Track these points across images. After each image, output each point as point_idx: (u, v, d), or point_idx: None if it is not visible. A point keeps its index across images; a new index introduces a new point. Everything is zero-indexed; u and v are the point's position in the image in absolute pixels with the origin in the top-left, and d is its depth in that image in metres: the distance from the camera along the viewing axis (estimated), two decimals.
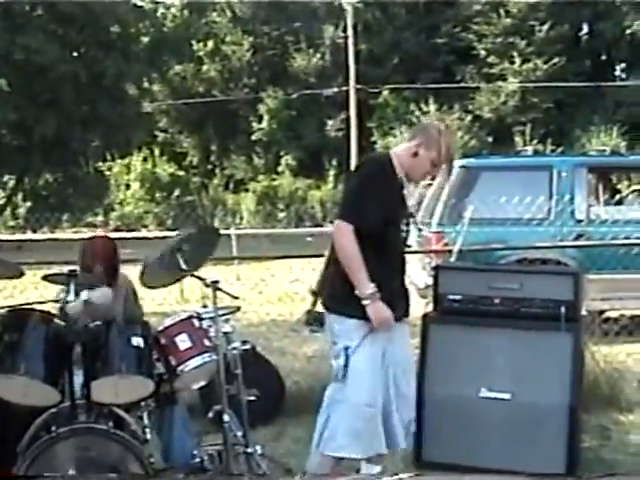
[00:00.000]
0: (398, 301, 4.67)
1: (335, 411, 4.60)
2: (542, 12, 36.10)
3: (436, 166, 4.66)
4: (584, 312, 5.63)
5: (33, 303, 4.97)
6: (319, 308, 4.94)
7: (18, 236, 32.01)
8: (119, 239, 5.63)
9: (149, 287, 5.08)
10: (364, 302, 4.44)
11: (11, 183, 32.96)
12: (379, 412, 4.56)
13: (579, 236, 9.40)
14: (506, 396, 5.25)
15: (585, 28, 39.00)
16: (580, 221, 9.70)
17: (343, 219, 4.48)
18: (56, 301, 4.84)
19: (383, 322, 4.48)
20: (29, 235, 32.45)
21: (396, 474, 4.58)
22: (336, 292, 4.60)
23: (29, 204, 34.67)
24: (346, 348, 4.52)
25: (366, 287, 4.43)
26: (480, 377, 5.29)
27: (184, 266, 4.79)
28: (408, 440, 4.88)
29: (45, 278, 4.60)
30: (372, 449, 4.59)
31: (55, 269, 4.92)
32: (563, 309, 5.17)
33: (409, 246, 5.00)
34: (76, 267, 4.88)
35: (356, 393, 4.52)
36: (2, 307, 4.81)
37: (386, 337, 4.56)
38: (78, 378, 4.40)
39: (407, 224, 4.76)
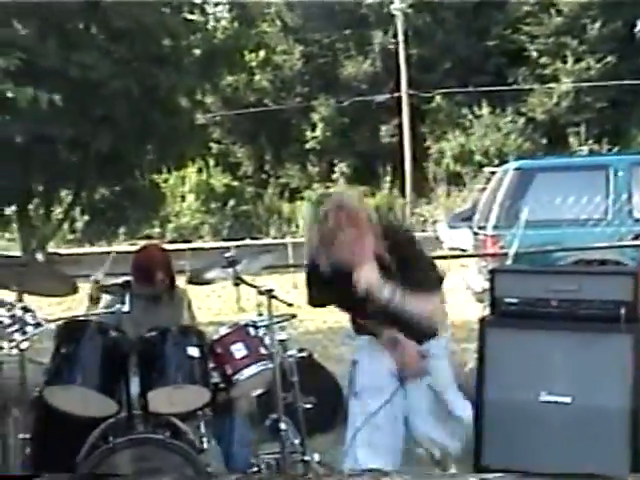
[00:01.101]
0: None
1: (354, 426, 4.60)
2: (594, 10, 35.68)
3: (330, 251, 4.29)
4: None
5: (89, 314, 4.99)
6: None
7: (76, 250, 32.46)
8: (175, 250, 5.64)
9: (195, 283, 5.10)
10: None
11: (69, 198, 33.33)
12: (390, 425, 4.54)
13: (637, 236, 9.26)
14: (567, 400, 5.16)
15: (639, 25, 38.44)
16: (638, 220, 9.56)
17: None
18: (112, 312, 4.87)
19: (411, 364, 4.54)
20: (87, 249, 32.88)
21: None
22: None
23: (86, 218, 35.07)
24: (354, 362, 4.62)
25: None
26: (539, 381, 5.21)
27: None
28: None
29: (100, 289, 4.62)
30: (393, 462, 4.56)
31: (111, 280, 4.94)
32: (623, 310, 5.08)
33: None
34: (130, 278, 4.89)
35: (366, 406, 4.54)
36: (59, 319, 4.85)
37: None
38: (135, 388, 4.42)
39: None
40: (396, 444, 4.57)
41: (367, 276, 4.20)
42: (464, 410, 4.92)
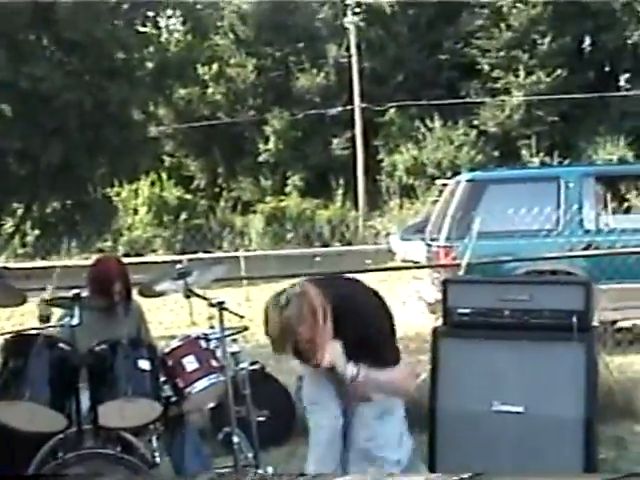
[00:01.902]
0: None
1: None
2: (543, 25, 36.12)
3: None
4: (596, 322, 5.56)
5: (38, 328, 4.91)
6: None
7: (27, 264, 32.04)
8: (127, 264, 5.57)
9: (146, 295, 5.04)
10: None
11: (19, 211, 33.01)
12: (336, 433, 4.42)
13: (588, 246, 9.35)
14: (519, 409, 5.17)
15: (587, 40, 38.96)
16: (589, 231, 9.66)
17: None
18: (61, 325, 4.80)
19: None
20: (38, 263, 32.48)
21: None
22: None
23: (37, 231, 34.73)
24: (300, 378, 4.57)
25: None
26: (492, 390, 5.22)
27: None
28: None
29: (48, 302, 4.55)
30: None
31: (61, 293, 4.87)
32: (575, 319, 5.10)
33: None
34: (80, 290, 4.82)
35: (312, 416, 4.52)
36: (7, 332, 4.76)
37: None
38: (85, 402, 4.35)
39: None
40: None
41: (331, 355, 4.16)
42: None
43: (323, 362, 4.10)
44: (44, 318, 4.98)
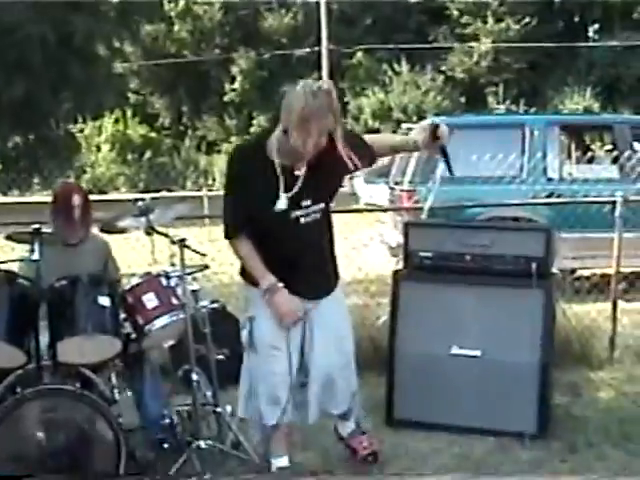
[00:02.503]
0: (313, 283, 4.37)
1: (252, 379, 4.49)
2: None
3: (309, 133, 3.94)
4: (555, 270, 5.62)
5: None
6: None
7: None
8: (91, 201, 5.50)
9: (107, 232, 5.01)
10: (266, 296, 4.25)
11: None
12: (287, 380, 4.35)
13: (551, 194, 9.41)
14: (477, 353, 5.23)
15: None
16: (552, 179, 9.72)
17: (226, 237, 4.35)
18: (21, 260, 4.76)
19: (287, 312, 4.27)
20: None
21: None
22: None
23: None
24: (250, 318, 4.40)
25: (264, 279, 4.24)
26: (451, 334, 5.27)
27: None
28: (355, 411, 4.78)
29: (8, 237, 4.50)
30: (286, 416, 4.42)
31: (21, 229, 4.81)
32: (534, 266, 5.15)
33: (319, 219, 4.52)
34: (41, 225, 4.76)
35: (263, 362, 4.39)
36: None
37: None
38: (44, 338, 4.33)
39: (304, 204, 4.24)
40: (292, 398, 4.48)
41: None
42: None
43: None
44: None
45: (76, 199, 4.96)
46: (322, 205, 4.31)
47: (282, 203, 4.17)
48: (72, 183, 5.40)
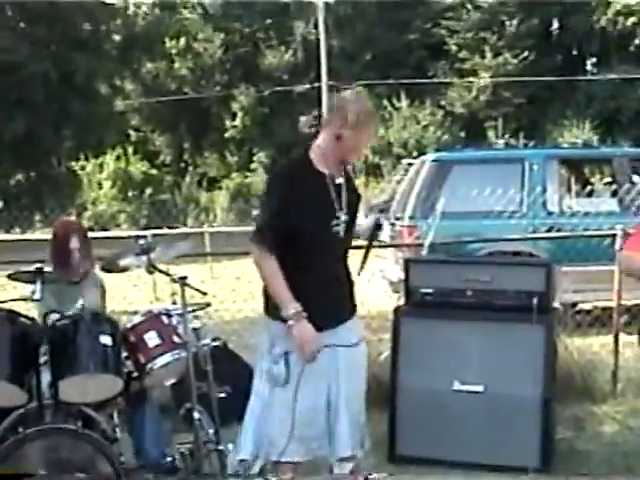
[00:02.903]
0: (337, 306, 4.37)
1: (276, 417, 4.34)
2: (511, 7, 36.24)
3: (365, 136, 4.23)
4: (557, 304, 5.63)
5: None
6: None
7: None
8: (92, 239, 5.52)
9: (109, 271, 5.01)
10: (289, 323, 4.15)
11: None
12: (323, 416, 4.33)
13: (551, 228, 9.42)
14: (479, 389, 5.23)
15: (555, 23, 39.15)
16: (552, 213, 9.73)
17: (252, 241, 4.24)
18: (24, 299, 4.77)
19: (305, 345, 4.17)
20: (0, 236, 32.18)
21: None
22: (270, 296, 4.33)
23: (0, 204, 34.41)
24: (286, 353, 4.28)
25: (289, 307, 4.14)
26: (453, 370, 5.27)
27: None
28: (364, 443, 4.63)
29: (10, 276, 4.52)
30: (316, 450, 4.39)
31: (23, 268, 4.83)
32: (535, 300, 5.16)
33: (348, 240, 4.59)
34: (44, 265, 4.78)
35: (298, 397, 4.26)
36: None
37: (329, 340, 4.27)
38: (45, 377, 4.33)
39: (346, 219, 4.35)
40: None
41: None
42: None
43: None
44: None
45: (74, 242, 5.00)
46: (349, 219, 4.38)
47: (339, 212, 4.30)
48: (71, 221, 5.41)
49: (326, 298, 4.26)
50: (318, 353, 4.20)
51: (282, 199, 4.18)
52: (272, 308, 4.29)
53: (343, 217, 4.32)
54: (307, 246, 4.21)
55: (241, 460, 4.43)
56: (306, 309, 4.13)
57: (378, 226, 4.66)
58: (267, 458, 4.37)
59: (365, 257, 4.65)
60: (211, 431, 4.89)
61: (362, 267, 4.63)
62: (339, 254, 4.40)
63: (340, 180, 4.31)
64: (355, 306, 4.51)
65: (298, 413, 4.26)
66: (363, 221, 4.72)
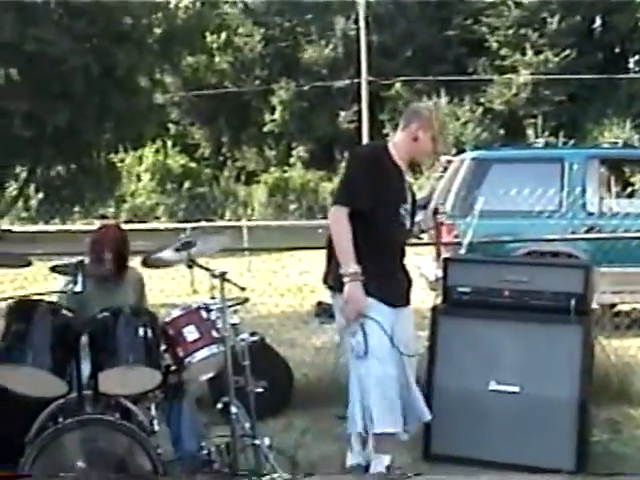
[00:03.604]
0: (394, 286, 4.81)
1: (365, 389, 4.64)
2: (553, 4, 35.96)
3: (437, 143, 4.87)
4: (595, 305, 5.60)
5: (41, 294, 4.95)
6: (328, 300, 4.99)
7: (30, 227, 32.07)
8: (130, 230, 5.59)
9: (149, 266, 5.07)
10: (344, 279, 4.52)
11: (23, 175, 33.02)
12: (400, 385, 4.70)
13: (590, 229, 9.36)
14: (515, 389, 5.22)
15: (598, 20, 38.81)
16: (591, 214, 9.66)
17: (334, 203, 4.69)
18: (64, 292, 4.83)
19: (352, 301, 4.54)
20: (41, 227, 32.52)
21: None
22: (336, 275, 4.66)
23: (41, 196, 34.75)
24: (362, 324, 4.58)
25: (348, 266, 4.52)
26: (489, 370, 5.26)
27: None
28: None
29: (53, 269, 4.57)
30: (401, 422, 4.72)
31: (65, 260, 4.89)
32: (573, 302, 5.14)
33: (418, 236, 5.10)
34: (84, 257, 4.85)
35: (380, 367, 4.60)
36: (10, 297, 4.80)
37: (392, 319, 4.68)
38: (85, 369, 4.39)
39: (410, 211, 4.95)
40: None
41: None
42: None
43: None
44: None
45: (107, 254, 5.05)
46: (410, 212, 4.96)
47: (406, 204, 4.90)
48: (109, 224, 5.47)
49: (391, 278, 4.78)
50: (362, 317, 4.54)
51: (369, 175, 4.68)
52: (335, 280, 4.67)
53: (409, 208, 4.92)
54: (378, 225, 4.68)
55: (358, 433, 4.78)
56: (372, 281, 4.56)
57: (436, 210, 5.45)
58: (368, 431, 4.70)
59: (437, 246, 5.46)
60: (247, 425, 4.92)
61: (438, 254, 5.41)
62: (402, 242, 4.94)
63: (407, 178, 4.94)
64: (410, 297, 4.98)
65: (384, 382, 4.60)
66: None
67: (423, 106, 5.17)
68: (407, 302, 4.93)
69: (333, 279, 4.72)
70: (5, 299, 4.74)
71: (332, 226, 4.63)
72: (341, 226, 4.57)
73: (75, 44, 26.47)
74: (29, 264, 4.88)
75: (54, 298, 4.86)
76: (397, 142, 4.92)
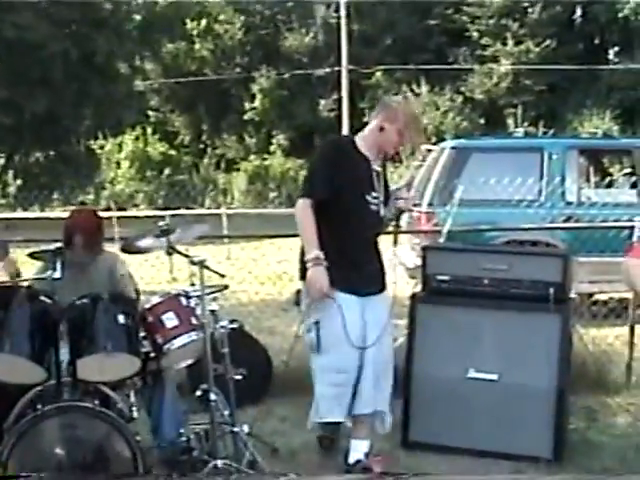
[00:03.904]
0: (361, 275, 4.89)
1: (316, 381, 4.92)
2: None
3: (403, 135, 4.95)
4: (573, 294, 5.63)
5: (19, 280, 4.94)
6: None
7: (8, 214, 31.85)
8: (109, 218, 5.57)
9: (128, 252, 5.07)
10: (307, 265, 4.73)
11: (1, 161, 32.82)
12: (351, 377, 4.78)
13: (569, 218, 9.41)
14: (493, 377, 5.25)
15: (578, 11, 38.84)
16: (570, 203, 9.71)
17: (299, 196, 4.88)
18: (42, 278, 4.81)
19: (313, 287, 4.73)
20: (19, 214, 32.32)
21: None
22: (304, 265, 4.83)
23: (19, 182, 34.54)
24: (316, 322, 4.78)
25: (310, 252, 4.72)
26: (468, 358, 5.29)
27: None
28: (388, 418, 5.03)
29: (31, 255, 4.56)
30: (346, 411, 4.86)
31: (42, 247, 4.87)
32: (552, 290, 5.17)
33: (395, 225, 5.19)
34: (62, 244, 4.84)
35: (328, 362, 4.81)
36: None
37: (359, 308, 4.82)
38: (64, 356, 4.38)
39: (381, 200, 5.02)
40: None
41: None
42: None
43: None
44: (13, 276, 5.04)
45: (78, 239, 5.02)
46: (382, 201, 5.00)
47: (375, 193, 4.97)
48: (82, 209, 5.47)
49: (358, 266, 4.86)
50: (327, 299, 4.71)
51: (329, 166, 4.88)
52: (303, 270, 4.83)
53: (381, 197, 5.00)
54: (342, 215, 4.84)
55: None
56: (336, 271, 4.71)
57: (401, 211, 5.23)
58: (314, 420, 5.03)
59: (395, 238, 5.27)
60: (226, 413, 4.93)
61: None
62: (374, 230, 5.03)
63: (377, 168, 5.01)
64: (384, 284, 5.05)
65: (330, 374, 4.80)
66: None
67: (393, 99, 5.30)
68: (380, 289, 5.02)
69: (300, 269, 4.90)
70: None
71: (296, 218, 4.81)
72: (303, 217, 4.77)
73: (54, 29, 26.29)
74: (7, 253, 4.88)
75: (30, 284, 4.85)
76: (365, 132, 5.07)
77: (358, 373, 4.78)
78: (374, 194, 4.96)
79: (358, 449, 4.89)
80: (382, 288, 5.03)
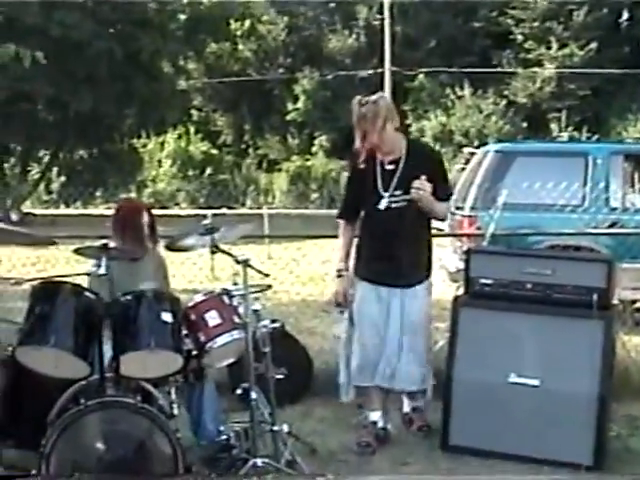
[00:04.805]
0: (385, 267, 5.35)
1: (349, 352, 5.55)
2: None
3: (358, 134, 5.34)
4: (616, 301, 5.58)
5: (65, 276, 4.99)
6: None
7: (51, 211, 32.20)
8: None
9: (173, 250, 5.11)
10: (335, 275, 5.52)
11: (46, 158, 33.15)
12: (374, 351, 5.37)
13: (613, 224, 9.32)
14: (535, 382, 5.21)
15: (625, 14, 38.47)
16: (615, 209, 9.62)
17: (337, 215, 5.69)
18: (88, 274, 4.86)
19: (335, 294, 5.52)
20: (62, 210, 32.65)
21: None
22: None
23: (63, 179, 34.90)
24: (350, 313, 5.51)
25: (336, 265, 5.53)
26: (509, 362, 5.26)
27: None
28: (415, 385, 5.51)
29: (77, 251, 4.60)
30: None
31: (87, 243, 4.93)
32: (595, 296, 5.13)
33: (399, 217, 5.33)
34: (108, 241, 4.88)
35: (360, 336, 5.45)
36: (34, 279, 4.83)
37: (384, 296, 5.37)
38: (108, 351, 4.41)
39: (400, 194, 5.31)
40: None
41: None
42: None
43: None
44: None
45: (145, 217, 5.10)
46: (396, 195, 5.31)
47: (385, 192, 5.33)
48: (138, 200, 5.54)
49: (380, 260, 5.36)
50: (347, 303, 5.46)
51: (346, 189, 5.65)
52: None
53: (397, 192, 5.29)
54: (367, 219, 5.46)
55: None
56: (364, 266, 5.44)
57: None
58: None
59: None
60: (266, 412, 4.94)
61: None
62: (387, 224, 5.33)
63: (389, 166, 5.34)
64: (419, 277, 5.44)
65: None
66: None
67: (357, 98, 5.55)
68: (411, 283, 5.38)
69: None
70: (29, 280, 4.77)
71: None
72: (339, 235, 5.60)
73: (99, 28, 26.49)
74: (54, 243, 4.93)
75: (79, 280, 4.89)
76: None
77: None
78: (382, 194, 5.33)
79: (371, 418, 5.51)
80: (416, 282, 5.42)
